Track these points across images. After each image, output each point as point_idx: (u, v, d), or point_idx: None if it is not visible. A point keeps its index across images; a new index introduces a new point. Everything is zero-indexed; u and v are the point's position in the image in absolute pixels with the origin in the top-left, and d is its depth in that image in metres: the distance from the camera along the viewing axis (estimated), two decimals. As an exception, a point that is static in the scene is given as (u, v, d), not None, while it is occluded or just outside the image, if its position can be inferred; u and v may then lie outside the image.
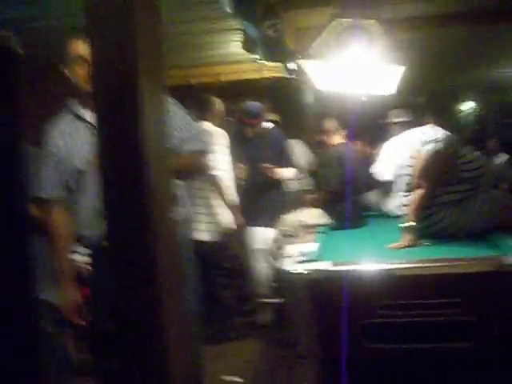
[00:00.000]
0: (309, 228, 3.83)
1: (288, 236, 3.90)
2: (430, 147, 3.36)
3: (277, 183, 4.46)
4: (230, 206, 4.14)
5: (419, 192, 3.11)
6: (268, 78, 4.26)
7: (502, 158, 6.84)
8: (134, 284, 0.88)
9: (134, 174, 0.90)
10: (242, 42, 3.62)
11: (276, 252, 4.07)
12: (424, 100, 4.12)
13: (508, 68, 7.24)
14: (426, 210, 3.09)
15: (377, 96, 4.01)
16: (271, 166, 4.34)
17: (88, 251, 2.55)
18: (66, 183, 2.40)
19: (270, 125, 4.68)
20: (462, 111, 8.75)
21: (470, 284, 2.43)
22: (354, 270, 2.53)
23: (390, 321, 2.46)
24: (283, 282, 2.61)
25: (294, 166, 4.56)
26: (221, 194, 4.09)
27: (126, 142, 0.91)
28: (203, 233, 4.06)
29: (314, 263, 2.61)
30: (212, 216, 4.12)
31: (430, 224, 3.10)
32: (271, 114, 4.93)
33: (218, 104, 4.36)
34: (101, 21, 0.88)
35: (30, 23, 3.41)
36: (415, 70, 4.54)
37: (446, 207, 3.08)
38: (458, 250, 2.81)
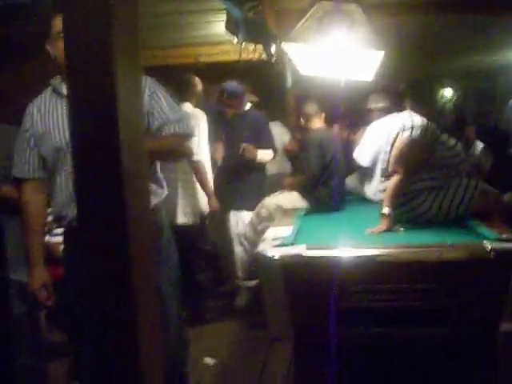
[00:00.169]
0: (286, 211, 3.83)
1: (265, 219, 3.91)
2: (407, 134, 3.37)
3: (256, 166, 4.43)
4: (206, 190, 4.10)
5: (396, 178, 3.13)
6: (249, 61, 4.22)
7: (478, 146, 6.90)
8: (105, 268, 0.87)
9: (109, 154, 0.88)
10: (225, 23, 3.57)
11: (252, 235, 4.08)
12: (403, 86, 4.12)
13: (487, 55, 7.30)
14: (405, 196, 3.12)
15: (357, 81, 4.01)
16: (249, 146, 4.30)
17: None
18: (41, 162, 2.36)
19: (248, 105, 4.64)
20: (441, 98, 8.80)
21: (447, 270, 2.45)
22: (327, 254, 2.53)
23: (365, 306, 2.48)
24: (258, 265, 2.61)
25: (273, 148, 4.53)
26: (201, 179, 4.04)
27: (99, 122, 0.88)
28: (181, 216, 4.04)
29: (288, 247, 2.62)
30: (190, 199, 4.09)
31: (409, 209, 3.13)
32: (251, 95, 4.89)
33: (198, 84, 4.30)
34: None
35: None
36: (395, 57, 4.55)
37: (425, 193, 3.11)
38: (436, 236, 2.85)
